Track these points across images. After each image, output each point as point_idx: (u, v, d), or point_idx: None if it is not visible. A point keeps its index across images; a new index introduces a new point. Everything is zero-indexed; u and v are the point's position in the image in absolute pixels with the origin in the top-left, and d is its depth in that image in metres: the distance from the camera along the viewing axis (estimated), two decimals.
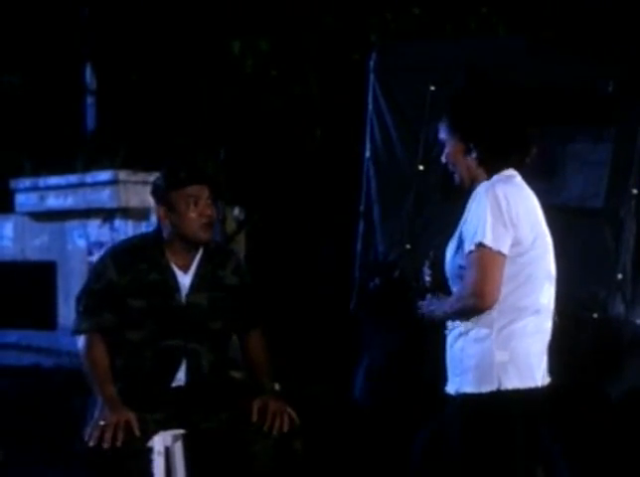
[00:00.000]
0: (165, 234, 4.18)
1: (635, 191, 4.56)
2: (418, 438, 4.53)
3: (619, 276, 4.53)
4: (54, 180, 11.85)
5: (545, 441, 4.33)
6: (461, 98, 3.71)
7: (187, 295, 4.17)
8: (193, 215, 4.10)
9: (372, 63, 5.14)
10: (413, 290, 3.76)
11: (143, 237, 4.36)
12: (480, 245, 3.37)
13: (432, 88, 4.90)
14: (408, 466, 4.60)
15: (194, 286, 4.18)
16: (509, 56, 4.86)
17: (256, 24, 9.31)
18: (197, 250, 4.20)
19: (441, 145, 3.64)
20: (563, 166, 4.71)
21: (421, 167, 4.92)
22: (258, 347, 4.32)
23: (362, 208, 5.09)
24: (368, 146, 5.09)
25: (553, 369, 3.64)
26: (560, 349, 4.12)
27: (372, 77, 5.12)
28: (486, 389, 3.42)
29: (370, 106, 5.11)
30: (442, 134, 3.62)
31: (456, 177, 3.61)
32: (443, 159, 3.63)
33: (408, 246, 4.89)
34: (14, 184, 12.19)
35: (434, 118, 4.68)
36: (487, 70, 4.73)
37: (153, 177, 4.28)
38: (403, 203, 4.95)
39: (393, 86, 5.07)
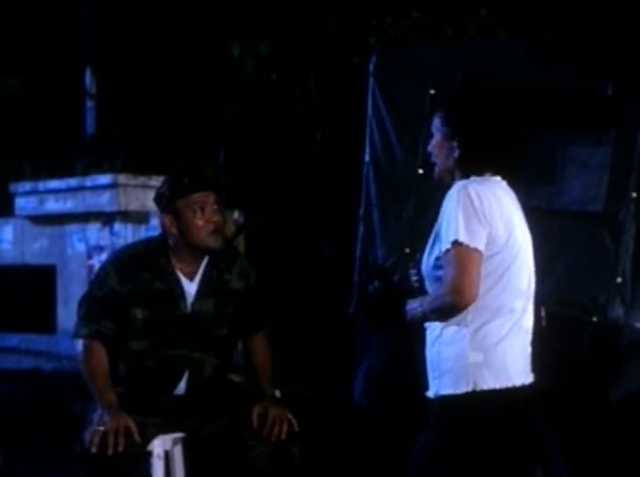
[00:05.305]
0: (171, 241, 4.10)
1: (635, 194, 4.55)
2: (417, 442, 4.53)
3: (619, 280, 4.52)
4: (53, 183, 11.86)
5: (545, 444, 4.33)
6: (460, 96, 3.68)
7: (192, 303, 4.11)
8: (200, 222, 4.02)
9: (371, 66, 5.13)
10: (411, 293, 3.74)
11: (148, 243, 4.26)
12: (455, 243, 3.34)
13: (432, 92, 4.89)
14: (407, 470, 4.59)
15: (200, 294, 4.12)
16: (508, 59, 4.86)
17: (256, 28, 9.33)
18: (203, 257, 4.13)
19: (431, 135, 3.63)
20: (563, 170, 4.70)
21: (421, 171, 4.90)
22: (262, 350, 4.28)
23: (361, 211, 5.07)
24: (367, 150, 5.08)
25: (552, 372, 3.63)
26: (560, 352, 4.13)
27: (371, 80, 5.11)
28: (462, 390, 3.40)
29: (369, 110, 5.10)
30: (435, 123, 3.59)
31: (435, 169, 3.62)
32: (429, 148, 3.63)
33: (408, 250, 4.87)
34: (14, 187, 12.21)
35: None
36: (486, 73, 4.73)
37: (153, 180, 4.25)
38: (403, 206, 4.94)
39: (392, 90, 5.06)
